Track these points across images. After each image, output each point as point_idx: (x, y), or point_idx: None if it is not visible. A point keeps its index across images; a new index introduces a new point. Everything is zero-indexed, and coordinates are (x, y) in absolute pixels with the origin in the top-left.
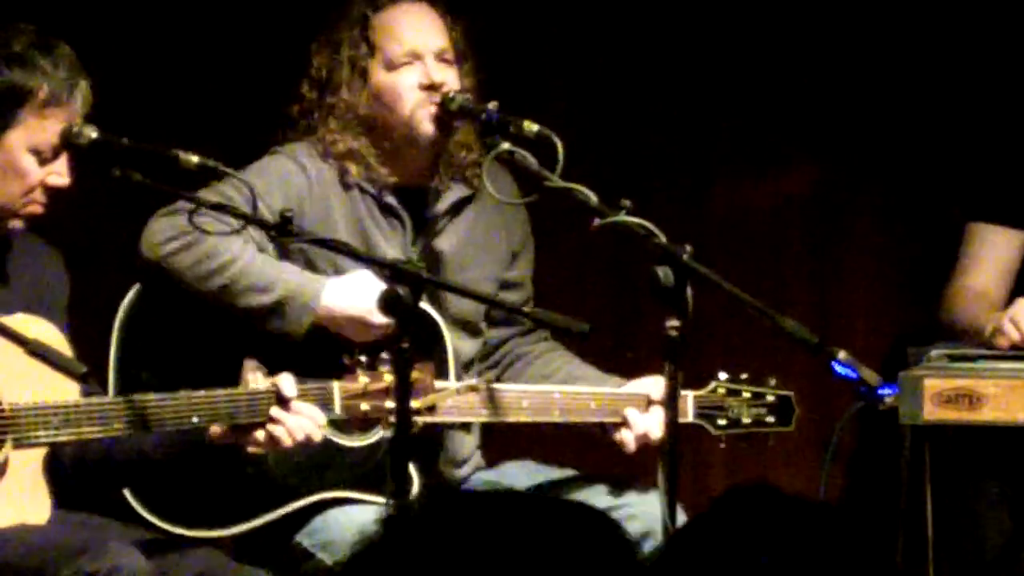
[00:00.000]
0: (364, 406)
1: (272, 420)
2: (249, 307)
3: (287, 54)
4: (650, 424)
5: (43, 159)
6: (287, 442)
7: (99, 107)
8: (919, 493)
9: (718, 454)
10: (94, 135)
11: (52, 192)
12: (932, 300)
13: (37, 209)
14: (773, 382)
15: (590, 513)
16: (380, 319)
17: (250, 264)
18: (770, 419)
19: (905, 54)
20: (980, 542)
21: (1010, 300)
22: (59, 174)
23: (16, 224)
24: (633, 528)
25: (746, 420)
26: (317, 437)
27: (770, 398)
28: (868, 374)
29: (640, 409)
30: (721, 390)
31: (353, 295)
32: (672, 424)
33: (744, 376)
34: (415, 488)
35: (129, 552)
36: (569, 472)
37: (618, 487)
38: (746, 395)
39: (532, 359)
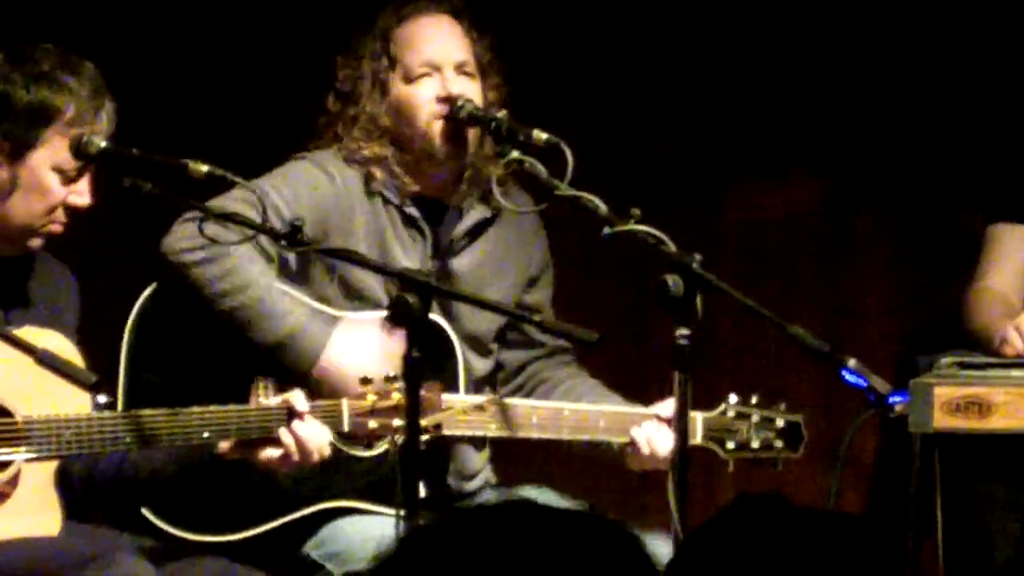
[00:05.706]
0: (372, 423)
1: (282, 436)
2: (253, 336)
3: (302, 64)
4: (656, 438)
5: (67, 178)
6: (296, 458)
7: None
8: (929, 501)
9: (728, 476)
10: (103, 145)
11: (73, 212)
12: (942, 308)
13: (57, 228)
14: (783, 406)
15: (608, 525)
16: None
17: (265, 294)
18: (778, 444)
19: (914, 63)
20: (990, 549)
21: None
22: (81, 194)
23: (36, 243)
24: None
25: (755, 444)
26: (326, 452)
27: (779, 423)
28: (878, 382)
29: (646, 426)
30: (731, 413)
31: (354, 354)
32: (682, 434)
33: (754, 399)
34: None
35: (137, 561)
36: (584, 506)
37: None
38: (755, 419)
39: (556, 384)
